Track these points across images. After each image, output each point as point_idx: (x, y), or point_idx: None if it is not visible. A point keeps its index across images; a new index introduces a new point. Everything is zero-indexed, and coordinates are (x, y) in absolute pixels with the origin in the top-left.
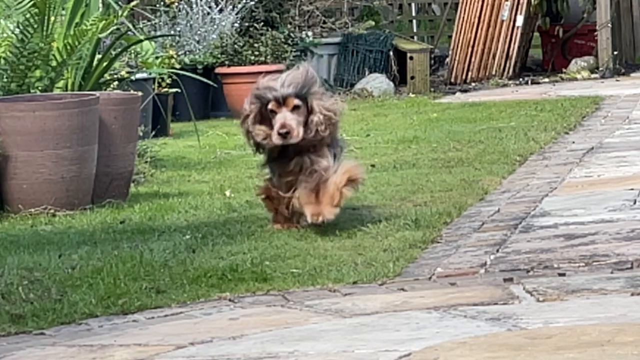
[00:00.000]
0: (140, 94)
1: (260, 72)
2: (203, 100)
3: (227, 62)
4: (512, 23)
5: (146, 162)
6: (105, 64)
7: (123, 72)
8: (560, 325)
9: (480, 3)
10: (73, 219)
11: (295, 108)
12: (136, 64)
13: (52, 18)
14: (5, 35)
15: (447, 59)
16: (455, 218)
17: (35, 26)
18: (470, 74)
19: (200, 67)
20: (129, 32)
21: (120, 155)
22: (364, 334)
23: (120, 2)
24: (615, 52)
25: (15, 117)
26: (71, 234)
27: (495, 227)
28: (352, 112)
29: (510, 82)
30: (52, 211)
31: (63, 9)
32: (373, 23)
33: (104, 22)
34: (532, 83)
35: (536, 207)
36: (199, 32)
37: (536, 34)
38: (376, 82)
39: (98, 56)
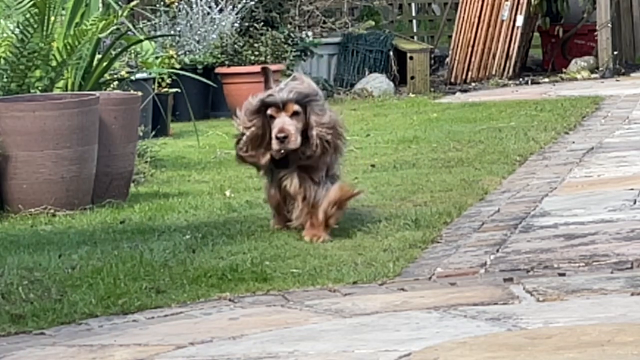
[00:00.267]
0: (140, 94)
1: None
2: (203, 100)
3: (227, 62)
4: (512, 23)
5: (146, 162)
6: (105, 64)
7: (123, 72)
8: (560, 325)
9: (480, 3)
10: (73, 219)
11: (295, 114)
12: (136, 64)
13: (52, 18)
14: (5, 35)
15: (447, 59)
16: (455, 218)
17: (35, 26)
18: (470, 74)
19: (200, 67)
20: (129, 32)
21: (120, 155)
22: (364, 334)
23: (120, 2)
24: (615, 52)
25: (15, 117)
26: (71, 234)
27: (495, 227)
28: (352, 112)
29: (510, 82)
30: (52, 211)
31: (63, 9)
32: (373, 23)
33: (104, 22)
34: (532, 83)
35: (536, 207)
36: (199, 32)
37: (536, 34)
38: (376, 82)
39: (98, 56)
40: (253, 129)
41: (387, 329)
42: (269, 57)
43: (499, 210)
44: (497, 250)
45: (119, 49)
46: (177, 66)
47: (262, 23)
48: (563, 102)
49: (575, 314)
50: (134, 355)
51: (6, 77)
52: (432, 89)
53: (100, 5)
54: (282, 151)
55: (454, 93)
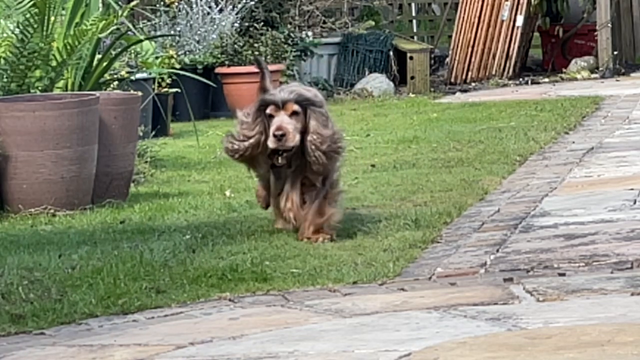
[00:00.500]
0: (140, 94)
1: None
2: (203, 100)
3: (227, 62)
4: (512, 23)
5: (146, 162)
6: (105, 64)
7: (123, 72)
8: (560, 325)
9: (480, 3)
10: (73, 219)
11: (294, 114)
12: (136, 64)
13: (52, 18)
14: (5, 35)
15: (447, 59)
16: (455, 218)
17: (35, 26)
18: (470, 74)
19: (200, 67)
20: (129, 32)
21: (120, 155)
22: (364, 334)
23: (120, 2)
24: (615, 52)
25: (15, 117)
26: (71, 234)
27: (495, 227)
28: (352, 112)
29: (510, 82)
30: (52, 211)
31: (63, 9)
32: (373, 23)
33: (104, 22)
34: (532, 83)
35: (536, 207)
36: (199, 32)
37: (536, 34)
38: (376, 82)
39: (98, 56)
40: (252, 141)
41: (387, 329)
42: (269, 57)
43: (499, 210)
44: (497, 250)
45: (119, 49)
46: (177, 66)
47: (262, 23)
48: (563, 102)
49: (575, 314)
50: (134, 355)
51: (6, 77)
52: (432, 89)
53: (100, 5)
54: (282, 153)
55: (454, 93)
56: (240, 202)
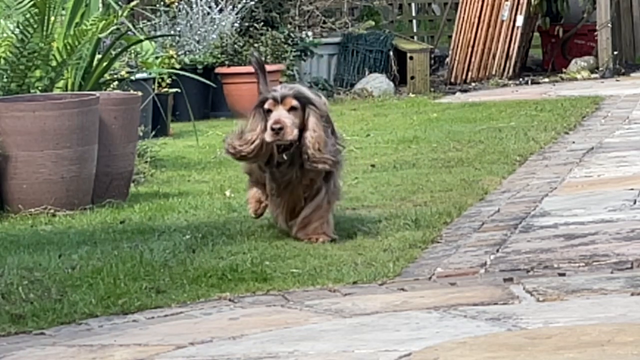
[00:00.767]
0: (140, 94)
1: None
2: (203, 100)
3: (227, 62)
4: (512, 23)
5: (146, 162)
6: (105, 64)
7: (123, 72)
8: (560, 325)
9: (480, 3)
10: (73, 219)
11: (292, 109)
12: (136, 64)
13: (52, 18)
14: (5, 35)
15: (447, 59)
16: (455, 218)
17: (35, 26)
18: (470, 74)
19: (200, 67)
20: (129, 32)
21: (120, 155)
22: (364, 334)
23: (120, 2)
24: (615, 52)
25: (15, 117)
26: (71, 234)
27: (495, 227)
28: (352, 112)
29: (510, 82)
30: (52, 211)
31: (63, 9)
32: (373, 23)
33: (104, 22)
34: (532, 83)
35: (536, 207)
36: (199, 32)
37: (536, 34)
38: (376, 82)
39: (98, 56)
40: (257, 142)
41: (387, 329)
42: (269, 57)
43: (499, 210)
44: (497, 250)
45: (119, 49)
46: (177, 66)
47: (262, 23)
48: (563, 102)
49: (575, 314)
50: (134, 355)
51: (6, 77)
52: (432, 89)
53: (100, 5)
54: (281, 148)
55: (454, 93)
56: (240, 202)
